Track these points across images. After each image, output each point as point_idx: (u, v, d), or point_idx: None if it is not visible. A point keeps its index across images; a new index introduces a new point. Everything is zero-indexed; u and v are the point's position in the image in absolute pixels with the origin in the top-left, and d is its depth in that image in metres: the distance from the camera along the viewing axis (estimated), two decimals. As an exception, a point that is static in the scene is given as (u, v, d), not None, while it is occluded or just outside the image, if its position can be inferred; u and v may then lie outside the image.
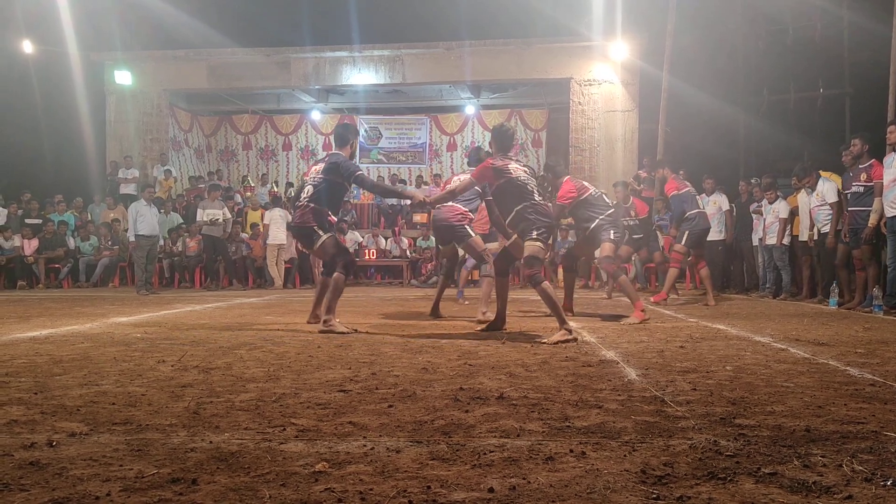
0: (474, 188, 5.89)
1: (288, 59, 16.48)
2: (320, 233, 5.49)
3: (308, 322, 5.96)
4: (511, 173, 5.00)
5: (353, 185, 5.88)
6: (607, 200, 6.76)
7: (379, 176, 17.47)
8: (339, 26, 18.80)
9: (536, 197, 5.03)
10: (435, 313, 6.72)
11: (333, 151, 5.82)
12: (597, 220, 6.40)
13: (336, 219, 5.88)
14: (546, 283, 4.92)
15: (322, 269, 5.95)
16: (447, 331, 5.57)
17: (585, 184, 6.83)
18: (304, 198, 5.60)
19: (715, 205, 10.59)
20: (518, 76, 16.32)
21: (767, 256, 9.93)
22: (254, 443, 2.25)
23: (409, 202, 14.28)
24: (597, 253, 6.63)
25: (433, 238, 14.62)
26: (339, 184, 5.60)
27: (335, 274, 5.42)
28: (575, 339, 4.75)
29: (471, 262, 8.38)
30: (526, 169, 5.17)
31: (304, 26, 18.81)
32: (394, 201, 16.66)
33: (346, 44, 16.33)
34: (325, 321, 5.35)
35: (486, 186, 5.69)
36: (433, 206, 6.23)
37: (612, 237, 6.37)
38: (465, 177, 5.78)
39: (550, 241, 5.39)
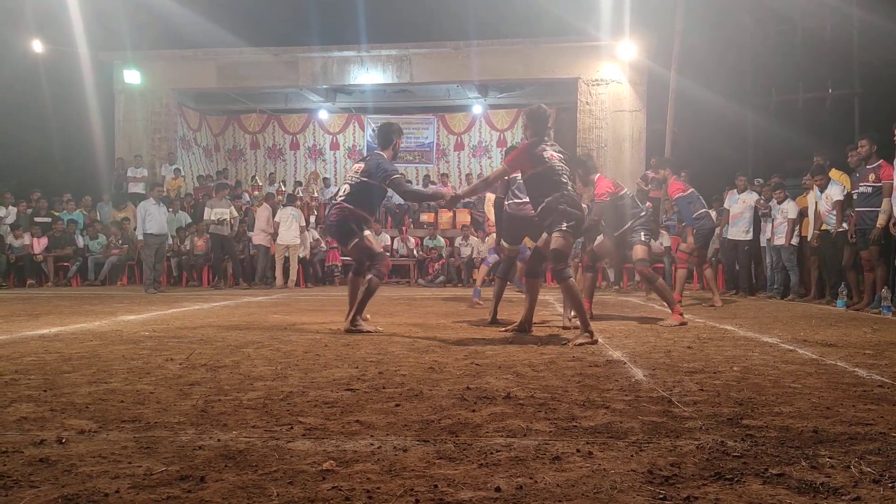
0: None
1: (296, 58, 16.51)
2: (357, 231, 5.40)
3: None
4: (548, 162, 4.75)
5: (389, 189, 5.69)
6: (637, 201, 6.61)
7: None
8: (347, 26, 18.82)
9: (569, 187, 4.78)
10: (494, 320, 6.03)
11: (375, 152, 5.70)
12: (630, 222, 6.20)
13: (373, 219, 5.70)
14: (573, 280, 4.76)
15: (353, 269, 5.84)
16: (454, 330, 5.58)
17: (618, 182, 6.72)
18: (340, 196, 5.49)
19: (744, 203, 10.26)
20: (526, 76, 16.30)
21: (776, 257, 9.90)
22: (261, 441, 2.26)
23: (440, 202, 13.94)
24: (608, 254, 6.49)
25: (439, 238, 14.69)
26: (377, 186, 5.43)
27: (370, 277, 5.39)
28: (595, 342, 4.66)
29: (491, 258, 8.23)
30: (561, 154, 4.91)
31: (312, 26, 18.86)
32: (400, 200, 16.65)
33: (353, 43, 16.34)
34: (351, 320, 5.34)
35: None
36: (464, 199, 6.02)
37: (642, 238, 6.19)
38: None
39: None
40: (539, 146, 4.83)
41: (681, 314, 6.01)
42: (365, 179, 5.41)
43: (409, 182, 7.16)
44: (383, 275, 5.49)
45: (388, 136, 5.65)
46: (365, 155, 5.73)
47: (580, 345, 4.55)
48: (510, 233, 6.01)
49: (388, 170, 5.39)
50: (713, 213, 10.15)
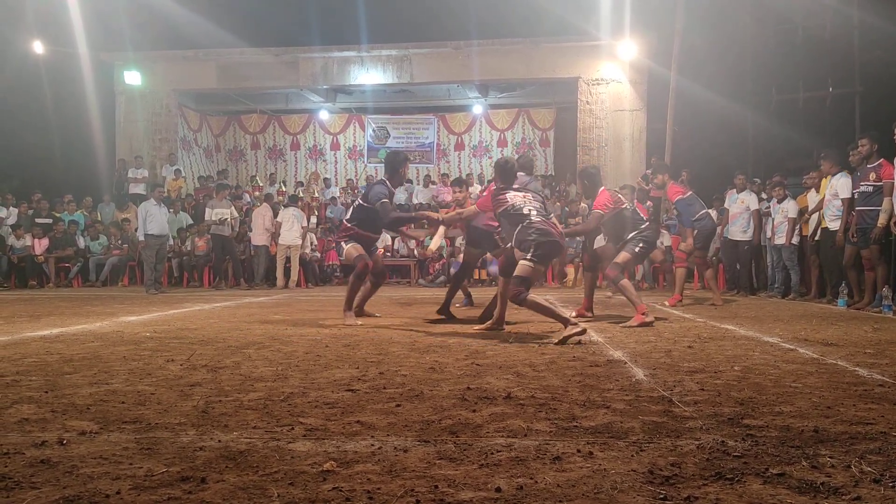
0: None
1: (296, 58, 16.52)
2: (343, 245, 6.33)
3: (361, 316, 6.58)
4: (507, 202, 5.20)
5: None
6: (641, 215, 6.74)
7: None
8: (347, 26, 18.82)
9: (534, 217, 5.08)
10: (445, 313, 6.62)
11: (379, 179, 6.54)
12: (632, 234, 6.40)
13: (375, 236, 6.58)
14: (530, 299, 4.90)
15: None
16: (455, 330, 5.58)
17: (621, 197, 6.81)
18: (346, 217, 6.68)
19: (742, 203, 10.22)
20: (526, 75, 16.32)
21: (776, 256, 9.89)
22: (262, 442, 2.26)
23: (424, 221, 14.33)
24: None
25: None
26: (371, 208, 6.16)
27: (350, 275, 6.34)
28: (583, 331, 4.72)
29: (493, 268, 8.38)
30: (525, 194, 5.29)
31: (313, 26, 18.84)
32: (403, 201, 16.67)
33: (354, 43, 16.36)
34: (344, 310, 6.29)
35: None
36: (446, 225, 6.53)
37: (635, 250, 6.37)
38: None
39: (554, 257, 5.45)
40: (502, 192, 5.32)
41: (644, 314, 5.97)
42: (363, 203, 6.29)
43: (396, 209, 8.12)
44: (359, 273, 6.22)
45: (392, 164, 6.35)
46: (375, 179, 6.63)
47: (566, 338, 4.62)
48: (471, 240, 6.70)
49: (379, 195, 6.14)
50: (714, 213, 10.16)
